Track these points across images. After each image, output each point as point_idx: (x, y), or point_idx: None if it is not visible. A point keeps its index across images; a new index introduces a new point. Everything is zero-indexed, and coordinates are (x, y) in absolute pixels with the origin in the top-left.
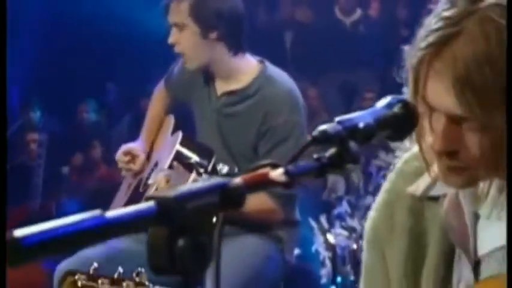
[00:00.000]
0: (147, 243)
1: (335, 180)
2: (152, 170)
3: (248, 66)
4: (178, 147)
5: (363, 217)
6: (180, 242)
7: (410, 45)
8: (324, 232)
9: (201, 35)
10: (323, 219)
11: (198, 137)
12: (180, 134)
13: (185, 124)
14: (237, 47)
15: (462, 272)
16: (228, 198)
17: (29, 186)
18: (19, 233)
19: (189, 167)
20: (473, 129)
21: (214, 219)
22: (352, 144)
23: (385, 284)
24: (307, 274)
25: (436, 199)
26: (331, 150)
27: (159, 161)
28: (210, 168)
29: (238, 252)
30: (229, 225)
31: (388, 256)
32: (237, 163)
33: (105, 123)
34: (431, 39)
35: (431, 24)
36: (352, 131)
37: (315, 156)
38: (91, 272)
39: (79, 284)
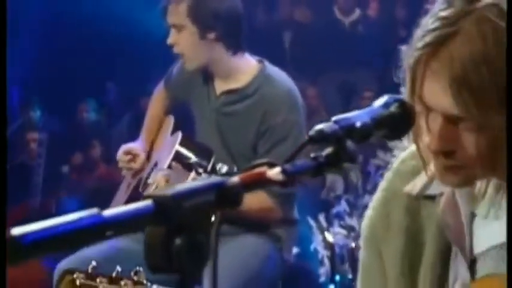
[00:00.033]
0: (144, 242)
1: (334, 179)
2: (152, 169)
3: (247, 66)
4: (177, 147)
5: (362, 216)
6: (177, 241)
7: (407, 45)
8: (322, 231)
9: (199, 35)
10: (322, 218)
11: (198, 137)
12: (179, 134)
13: (185, 124)
14: (236, 47)
15: (458, 270)
16: (225, 196)
17: (29, 185)
18: (17, 231)
19: (189, 166)
20: (470, 129)
21: (211, 218)
22: (349, 144)
23: (382, 283)
24: (305, 273)
25: (432, 198)
26: (328, 150)
27: (158, 161)
28: (209, 168)
29: (236, 251)
30: (228, 224)
31: (385, 255)
32: (236, 162)
33: (105, 123)
34: (428, 39)
35: (428, 24)
36: (349, 130)
37: (312, 155)
38: (89, 270)
39: (77, 282)
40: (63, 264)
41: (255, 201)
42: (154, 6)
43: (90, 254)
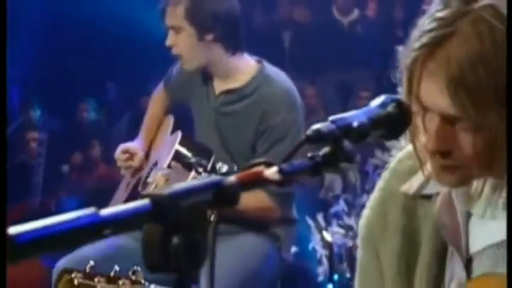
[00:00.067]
0: (142, 240)
1: (332, 179)
2: (151, 169)
3: (246, 66)
4: (177, 146)
5: (360, 215)
6: (175, 240)
7: (404, 46)
8: (320, 230)
9: (197, 37)
10: (320, 217)
11: (197, 137)
12: (179, 134)
13: (184, 124)
14: (234, 48)
15: (454, 269)
16: (222, 196)
17: (29, 184)
18: (13, 230)
19: (188, 166)
20: (467, 129)
21: (209, 217)
22: (346, 143)
23: (379, 282)
24: (304, 272)
25: (429, 197)
26: (325, 149)
27: (158, 160)
28: (209, 167)
29: (235, 250)
30: (227, 223)
31: (382, 254)
32: (236, 162)
33: (105, 122)
34: (424, 39)
35: (424, 25)
36: (346, 130)
37: (309, 155)
38: (87, 270)
39: (75, 282)
40: (62, 263)
41: (254, 200)
42: (154, 6)
43: (89, 253)
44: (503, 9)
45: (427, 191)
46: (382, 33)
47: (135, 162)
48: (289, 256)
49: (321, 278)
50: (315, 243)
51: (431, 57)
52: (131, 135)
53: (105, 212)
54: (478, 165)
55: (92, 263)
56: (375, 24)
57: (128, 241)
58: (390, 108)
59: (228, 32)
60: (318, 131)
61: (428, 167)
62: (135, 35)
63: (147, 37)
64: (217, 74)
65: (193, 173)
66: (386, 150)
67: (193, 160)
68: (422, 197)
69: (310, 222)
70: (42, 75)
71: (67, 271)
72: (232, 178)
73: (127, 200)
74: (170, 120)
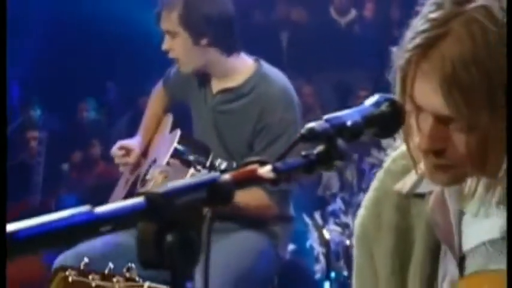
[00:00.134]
0: (137, 238)
1: (329, 177)
2: (150, 166)
3: (243, 65)
4: (176, 144)
5: (356, 214)
6: (169, 237)
7: (398, 47)
8: (318, 228)
9: (192, 41)
10: (317, 215)
11: (195, 135)
12: (178, 132)
13: (183, 122)
14: (230, 49)
15: (447, 267)
16: (216, 194)
17: (29, 183)
18: (10, 227)
19: (187, 163)
20: (460, 129)
21: (204, 215)
22: (340, 142)
23: (373, 282)
24: (301, 269)
25: (422, 196)
26: (320, 148)
27: (157, 158)
28: (208, 164)
29: (232, 247)
30: (224, 220)
31: (376, 254)
32: (234, 160)
33: (105, 122)
34: (418, 40)
35: (418, 26)
36: (339, 128)
37: (303, 153)
38: (82, 267)
39: (70, 279)
40: (60, 260)
41: (251, 198)
42: (153, 6)
43: (87, 250)
44: (496, 10)
45: (420, 189)
46: (379, 33)
47: (131, 159)
48: (285, 254)
49: (318, 276)
50: (312, 241)
51: (425, 57)
52: (131, 135)
53: (100, 209)
54: (471, 165)
55: (86, 260)
56: (372, 25)
57: (126, 238)
58: (384, 107)
59: (223, 34)
60: (312, 129)
61: (422, 166)
62: (134, 35)
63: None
64: (215, 74)
65: (191, 170)
66: (382, 149)
67: (191, 157)
68: (415, 195)
69: (307, 220)
70: (43, 75)
71: (62, 268)
72: (226, 176)
73: (126, 198)
74: (169, 119)
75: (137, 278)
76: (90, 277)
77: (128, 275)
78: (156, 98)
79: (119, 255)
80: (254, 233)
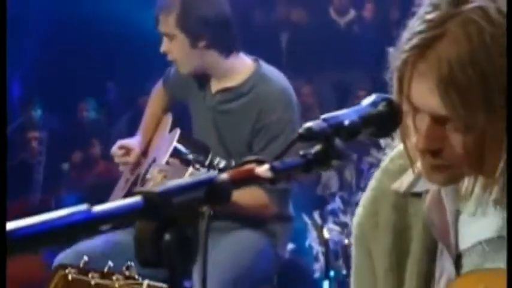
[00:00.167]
0: (134, 237)
1: (329, 177)
2: (150, 165)
3: (242, 65)
4: (176, 144)
5: (355, 213)
6: (166, 236)
7: (394, 48)
8: (317, 227)
9: (190, 44)
10: (316, 214)
11: (195, 134)
12: (177, 131)
13: (183, 122)
14: (228, 50)
15: (444, 266)
16: (214, 193)
17: (29, 182)
18: (8, 225)
19: (187, 162)
20: (457, 129)
21: (202, 214)
22: (337, 141)
23: (371, 281)
24: (300, 268)
25: (419, 195)
26: (317, 147)
27: (157, 157)
28: (207, 163)
29: (231, 246)
30: (223, 219)
31: (374, 253)
32: (233, 159)
33: (105, 122)
34: (415, 41)
35: (414, 26)
36: (337, 128)
37: (301, 152)
38: (81, 265)
39: (69, 277)
40: (60, 258)
41: (250, 197)
42: (153, 6)
43: (87, 248)
44: (492, 10)
45: (417, 188)
46: (379, 33)
47: (131, 158)
48: (284, 253)
49: (317, 275)
50: (311, 240)
51: (422, 58)
52: (131, 135)
53: (98, 208)
54: (468, 165)
55: (85, 258)
56: (371, 25)
57: (126, 237)
58: (381, 107)
59: (221, 36)
60: (309, 129)
61: (419, 165)
62: (134, 35)
63: (147, 37)
64: (214, 75)
65: (191, 169)
66: (381, 149)
67: (191, 156)
68: (412, 194)
69: (306, 219)
70: (43, 75)
71: (61, 266)
72: (224, 176)
73: (125, 197)
74: (169, 118)
75: (137, 276)
76: (90, 275)
77: (127, 273)
78: (155, 98)
79: (119, 253)
80: (253, 232)
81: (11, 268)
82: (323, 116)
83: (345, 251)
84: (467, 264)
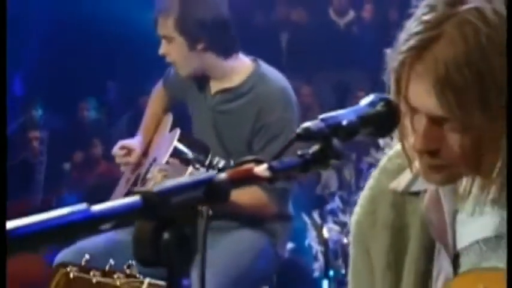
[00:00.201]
0: (133, 236)
1: (328, 176)
2: (150, 165)
3: (241, 66)
4: (176, 143)
5: None
6: (165, 235)
7: (392, 49)
8: (316, 227)
9: (188, 47)
10: (316, 214)
11: (195, 134)
12: (177, 131)
13: (183, 122)
14: (227, 52)
15: (442, 265)
16: (212, 193)
17: (30, 182)
18: (8, 224)
19: (186, 161)
20: (454, 130)
21: (200, 213)
22: (335, 141)
23: (369, 280)
24: (300, 268)
25: (417, 194)
26: (315, 147)
27: (157, 157)
28: (206, 162)
29: (230, 245)
30: (223, 219)
31: (372, 252)
32: (233, 159)
33: (105, 121)
34: (412, 42)
35: (411, 28)
36: (335, 128)
37: (299, 152)
38: (83, 263)
39: (71, 275)
40: (60, 256)
41: (250, 196)
42: (153, 7)
43: (88, 246)
44: (488, 11)
45: (415, 188)
46: (378, 34)
47: (133, 158)
48: (284, 252)
49: (316, 274)
50: (311, 240)
51: (419, 59)
52: (131, 134)
53: (97, 208)
54: (466, 165)
55: (87, 256)
56: (370, 26)
57: (127, 235)
58: (379, 107)
59: (219, 38)
60: (307, 129)
61: (417, 165)
62: (135, 35)
63: (147, 37)
64: (213, 76)
65: (190, 169)
66: (380, 148)
67: (191, 156)
68: (410, 193)
69: (306, 218)
70: (44, 75)
71: (63, 264)
72: (222, 175)
73: (126, 196)
74: (169, 118)
75: (138, 275)
76: (91, 273)
77: (128, 271)
78: (156, 98)
79: (120, 252)
80: (253, 232)
81: (12, 267)
82: (321, 116)
83: (344, 251)
84: (464, 263)
